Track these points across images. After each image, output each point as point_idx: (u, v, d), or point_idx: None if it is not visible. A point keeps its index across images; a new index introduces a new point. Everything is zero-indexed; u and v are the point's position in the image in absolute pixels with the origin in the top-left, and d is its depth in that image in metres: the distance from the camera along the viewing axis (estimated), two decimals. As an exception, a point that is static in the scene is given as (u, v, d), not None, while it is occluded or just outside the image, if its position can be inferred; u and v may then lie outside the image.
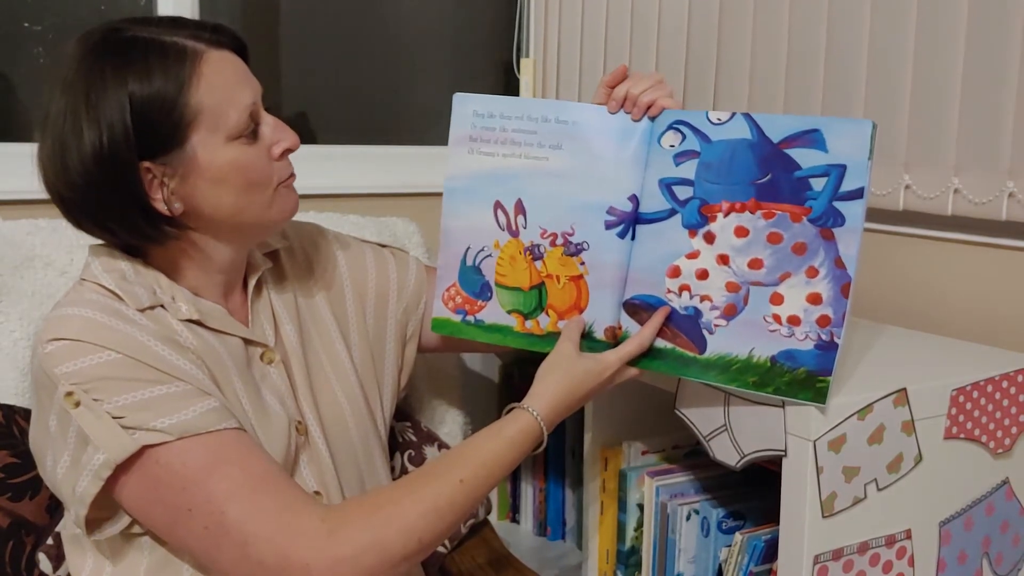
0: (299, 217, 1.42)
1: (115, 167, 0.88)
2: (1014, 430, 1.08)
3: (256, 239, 1.04)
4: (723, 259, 0.97)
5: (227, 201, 0.94)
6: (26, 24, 1.67)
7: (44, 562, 1.11)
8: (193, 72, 0.89)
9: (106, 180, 0.88)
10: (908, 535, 1.01)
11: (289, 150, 0.98)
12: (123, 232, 0.93)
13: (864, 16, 1.34)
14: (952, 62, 1.24)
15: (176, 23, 0.93)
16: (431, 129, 2.07)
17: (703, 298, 0.98)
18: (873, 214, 1.35)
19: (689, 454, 1.29)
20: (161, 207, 0.91)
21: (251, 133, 0.94)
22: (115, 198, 0.90)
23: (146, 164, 0.89)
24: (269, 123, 0.97)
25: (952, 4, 1.23)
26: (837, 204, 0.90)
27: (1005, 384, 1.06)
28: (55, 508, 1.14)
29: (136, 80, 0.88)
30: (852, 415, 0.94)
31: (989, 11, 1.19)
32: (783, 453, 0.95)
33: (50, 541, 1.12)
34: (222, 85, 0.91)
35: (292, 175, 1.00)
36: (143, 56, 0.88)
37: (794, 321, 0.94)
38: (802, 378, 0.93)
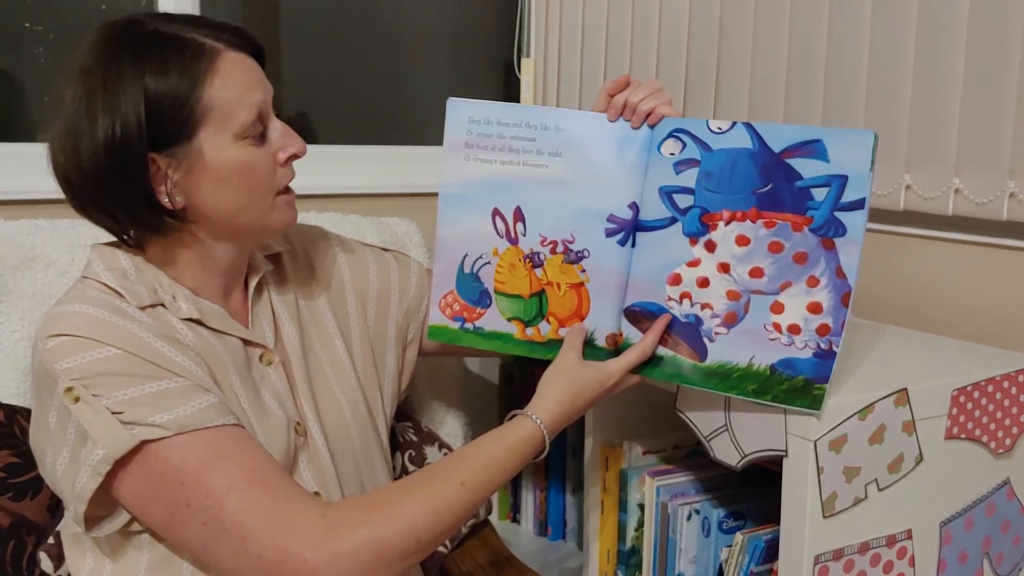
0: (300, 218, 1.42)
1: (124, 157, 0.89)
2: (1015, 430, 1.08)
3: (255, 243, 1.04)
4: (724, 267, 0.97)
5: (227, 200, 0.94)
6: (27, 24, 1.67)
7: (45, 561, 1.11)
8: (208, 69, 0.90)
9: (114, 168, 0.89)
10: (909, 535, 1.01)
11: (295, 156, 0.99)
12: (125, 219, 0.94)
13: (865, 16, 1.34)
14: (953, 62, 1.24)
15: (197, 22, 0.94)
16: (431, 129, 2.07)
17: (704, 306, 0.98)
18: (874, 214, 1.35)
19: (690, 454, 1.29)
20: (163, 199, 0.92)
21: (259, 135, 0.95)
22: (121, 186, 0.90)
23: (152, 155, 0.90)
24: (278, 128, 0.97)
25: (953, 4, 1.23)
26: (838, 214, 0.90)
27: (1006, 384, 1.06)
28: (56, 507, 1.14)
29: (153, 74, 0.88)
30: (853, 415, 0.94)
31: (989, 11, 1.19)
32: (784, 453, 0.95)
33: (51, 540, 1.12)
34: (235, 85, 0.92)
35: (290, 189, 1.00)
36: (161, 51, 0.89)
37: (794, 330, 0.94)
38: (800, 386, 0.93)
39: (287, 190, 1.00)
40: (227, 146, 0.92)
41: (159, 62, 0.89)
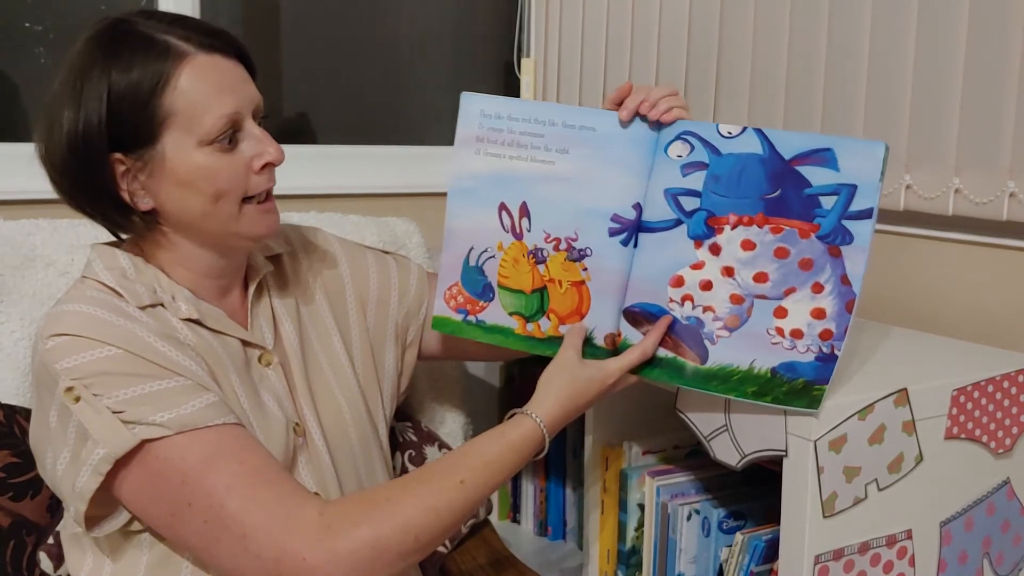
0: (301, 219, 1.42)
1: (86, 154, 0.89)
2: (1015, 430, 1.08)
3: (232, 249, 1.00)
4: (728, 271, 0.97)
5: (193, 205, 0.93)
6: (26, 24, 1.67)
7: (45, 561, 1.11)
8: (172, 72, 0.89)
9: (78, 165, 0.90)
10: (909, 535, 1.01)
11: (271, 164, 0.96)
12: (97, 216, 0.95)
13: (865, 16, 1.34)
14: (953, 62, 1.24)
15: (176, 21, 0.93)
16: (431, 129, 2.07)
17: (706, 309, 0.98)
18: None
19: (690, 454, 1.29)
20: (128, 199, 0.92)
21: (228, 142, 0.92)
22: (87, 183, 0.91)
23: (118, 156, 0.90)
24: (254, 135, 0.95)
25: (953, 5, 1.23)
26: (846, 223, 0.90)
27: (1006, 384, 1.06)
28: (56, 508, 1.14)
29: (118, 72, 0.89)
30: (853, 415, 0.94)
31: (989, 12, 1.19)
32: (784, 453, 0.95)
33: (51, 540, 1.12)
34: (201, 89, 0.90)
35: (270, 195, 0.98)
36: (130, 50, 0.89)
37: (797, 335, 0.94)
38: (800, 388, 0.93)
39: (267, 197, 0.97)
40: (191, 151, 0.91)
41: (125, 61, 0.89)
